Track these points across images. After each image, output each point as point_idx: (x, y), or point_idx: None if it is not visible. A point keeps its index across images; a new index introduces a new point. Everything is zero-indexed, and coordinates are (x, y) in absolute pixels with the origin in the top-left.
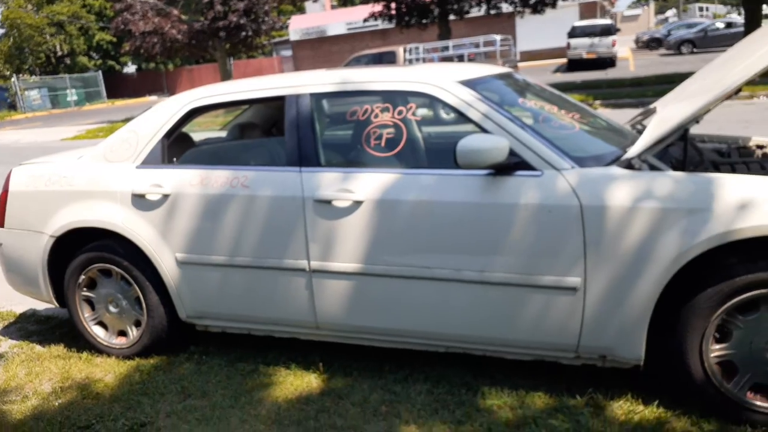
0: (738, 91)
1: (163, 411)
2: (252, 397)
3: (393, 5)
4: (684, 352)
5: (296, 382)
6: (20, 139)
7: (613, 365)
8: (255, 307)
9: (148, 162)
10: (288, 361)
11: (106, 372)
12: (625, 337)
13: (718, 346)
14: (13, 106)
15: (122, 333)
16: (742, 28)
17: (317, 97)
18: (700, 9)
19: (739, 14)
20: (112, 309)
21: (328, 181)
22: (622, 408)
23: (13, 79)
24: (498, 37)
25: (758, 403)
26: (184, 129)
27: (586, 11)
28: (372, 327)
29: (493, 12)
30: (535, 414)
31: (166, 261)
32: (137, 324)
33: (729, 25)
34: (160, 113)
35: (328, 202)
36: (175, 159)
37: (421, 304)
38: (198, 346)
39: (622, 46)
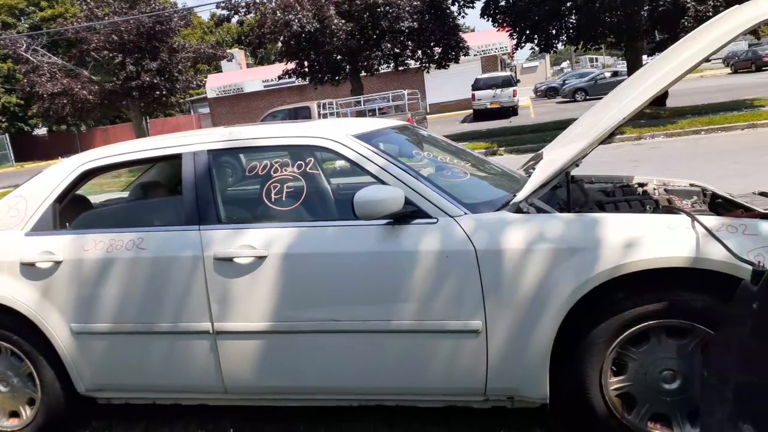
0: (612, 134)
1: None
2: None
3: (306, 63)
4: (585, 387)
5: None
6: None
7: (522, 405)
8: (158, 375)
9: (38, 228)
10: (198, 430)
11: None
12: (529, 377)
13: (616, 379)
14: None
15: (14, 414)
16: (626, 77)
17: (214, 154)
18: (591, 60)
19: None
20: (1, 388)
21: (228, 238)
22: None
23: None
24: (405, 92)
25: None
26: (81, 191)
27: (488, 64)
28: (282, 387)
29: (401, 68)
30: None
31: (60, 332)
32: (30, 402)
33: (615, 74)
34: (51, 176)
35: (229, 259)
36: (68, 224)
37: (330, 359)
38: (100, 421)
39: (523, 96)
